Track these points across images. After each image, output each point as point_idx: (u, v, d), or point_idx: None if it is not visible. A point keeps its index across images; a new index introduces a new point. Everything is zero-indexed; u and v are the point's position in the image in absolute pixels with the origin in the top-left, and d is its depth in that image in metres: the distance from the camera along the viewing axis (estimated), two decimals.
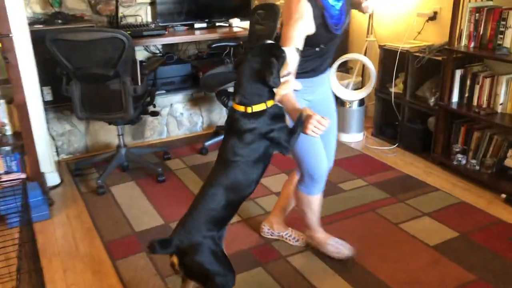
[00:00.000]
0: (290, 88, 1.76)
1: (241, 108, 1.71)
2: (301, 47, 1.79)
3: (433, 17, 3.55)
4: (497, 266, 2.25)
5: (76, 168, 3.33)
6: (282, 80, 1.69)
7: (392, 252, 2.38)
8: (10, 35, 2.58)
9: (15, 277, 1.98)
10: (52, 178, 3.17)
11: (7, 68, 2.66)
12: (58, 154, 3.43)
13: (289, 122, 1.76)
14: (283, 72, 1.71)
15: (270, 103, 1.71)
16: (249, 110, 1.69)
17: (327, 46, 1.98)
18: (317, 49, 1.96)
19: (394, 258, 2.33)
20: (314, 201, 2.25)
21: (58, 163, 3.31)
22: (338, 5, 1.90)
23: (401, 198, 2.89)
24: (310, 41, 1.85)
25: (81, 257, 2.43)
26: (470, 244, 2.43)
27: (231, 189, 1.74)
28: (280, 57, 1.68)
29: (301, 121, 1.67)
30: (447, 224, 2.60)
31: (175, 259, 1.71)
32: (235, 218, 2.71)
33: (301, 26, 1.80)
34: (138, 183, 3.19)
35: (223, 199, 1.73)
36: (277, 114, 1.73)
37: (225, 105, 3.46)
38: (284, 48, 1.71)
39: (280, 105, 1.75)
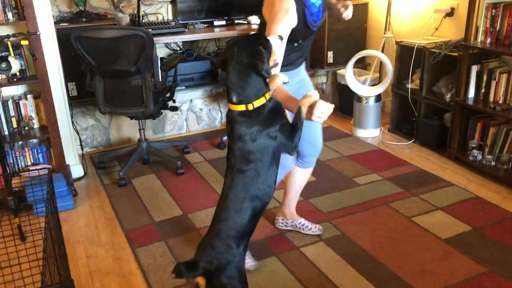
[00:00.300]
0: (279, 81, 1.78)
1: (241, 107, 1.64)
2: (285, 38, 1.83)
3: (450, 13, 3.55)
4: (508, 260, 2.27)
5: (99, 161, 3.46)
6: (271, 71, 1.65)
7: (404, 245, 2.42)
8: (38, 33, 2.71)
9: (35, 264, 2.10)
10: (77, 170, 3.30)
11: (35, 64, 2.79)
12: (82, 147, 3.56)
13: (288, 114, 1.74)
14: (271, 62, 1.67)
15: (268, 95, 1.66)
16: (250, 107, 1.62)
17: (304, 42, 2.09)
18: (295, 44, 2.05)
19: (406, 251, 2.37)
20: (309, 173, 2.51)
21: (82, 156, 3.44)
22: (318, 2, 2.00)
23: (415, 192, 2.92)
24: (290, 36, 1.90)
25: (103, 244, 2.55)
26: (482, 238, 2.45)
27: (255, 199, 1.68)
28: (266, 46, 1.64)
29: (301, 116, 1.66)
30: (460, 218, 2.63)
31: (201, 281, 1.64)
32: None
33: (286, 21, 1.85)
34: (158, 175, 3.30)
35: (249, 211, 1.68)
36: (277, 108, 1.68)
37: None
38: (268, 37, 1.68)
39: (275, 98, 1.71)
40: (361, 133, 3.88)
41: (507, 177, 2.97)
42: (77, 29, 3.02)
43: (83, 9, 3.59)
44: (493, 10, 2.98)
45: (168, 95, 3.32)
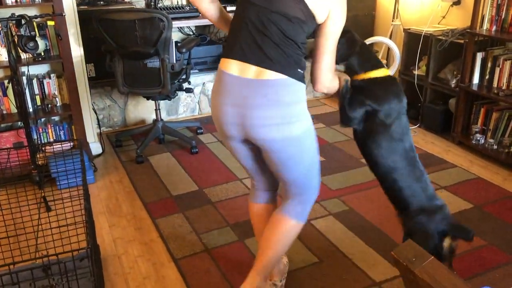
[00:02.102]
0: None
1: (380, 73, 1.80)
2: None
3: (457, 2, 3.66)
4: (507, 234, 2.42)
5: (116, 139, 3.61)
6: None
7: None
8: (64, 14, 2.84)
9: (64, 229, 2.26)
10: (95, 147, 3.45)
11: (59, 44, 2.92)
12: (100, 126, 3.70)
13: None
14: None
15: None
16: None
17: None
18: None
19: None
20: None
21: (100, 135, 3.59)
22: None
23: None
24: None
25: (124, 215, 2.70)
26: (483, 214, 2.60)
27: None
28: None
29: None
30: (462, 196, 2.77)
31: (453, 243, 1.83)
32: None
33: None
34: (173, 154, 3.45)
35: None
36: None
37: None
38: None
39: None
40: None
41: (508, 160, 3.10)
42: (98, 11, 3.15)
43: None
44: None
45: (183, 77, 3.46)
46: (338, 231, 2.48)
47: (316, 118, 4.03)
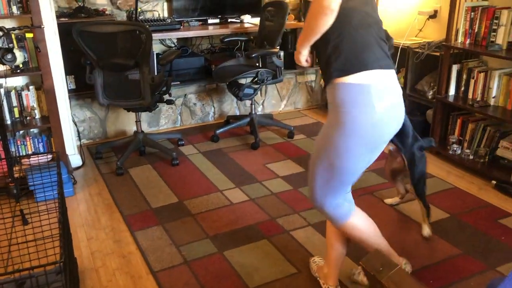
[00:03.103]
0: None
1: None
2: None
3: (433, 15, 3.75)
4: (482, 243, 2.46)
5: (96, 151, 3.59)
6: None
7: (386, 229, 2.58)
8: (42, 26, 2.83)
9: (40, 242, 2.24)
10: (75, 160, 3.43)
11: (38, 56, 2.91)
12: (80, 138, 3.68)
13: None
14: None
15: None
16: None
17: None
18: None
19: (388, 234, 2.53)
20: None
21: (80, 147, 3.56)
22: None
23: None
24: None
25: (103, 228, 2.68)
26: (459, 223, 2.64)
27: None
28: None
29: None
30: (439, 206, 2.82)
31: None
32: (243, 198, 2.95)
33: None
34: (154, 166, 3.44)
35: None
36: None
37: (236, 96, 3.69)
38: None
39: None
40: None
41: (484, 170, 3.17)
42: (78, 24, 3.16)
43: (82, 5, 3.72)
44: (472, 13, 3.18)
45: (164, 88, 3.46)
46: (317, 242, 2.50)
47: (297, 129, 4.07)
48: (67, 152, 3.32)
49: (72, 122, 3.45)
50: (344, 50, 1.62)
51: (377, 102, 1.62)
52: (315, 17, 1.57)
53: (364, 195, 2.96)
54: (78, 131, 3.70)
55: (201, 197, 2.98)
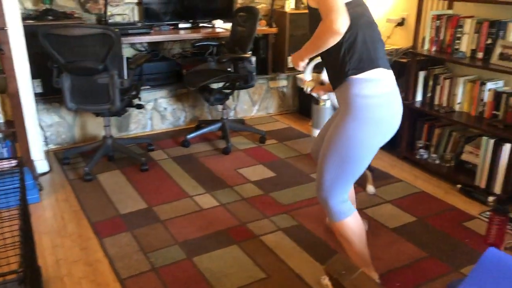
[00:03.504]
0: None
1: None
2: None
3: (401, 23, 3.84)
4: (447, 246, 2.52)
5: (64, 157, 3.51)
6: None
7: None
8: (6, 28, 2.77)
9: (2, 250, 2.16)
10: (41, 165, 3.35)
11: (2, 59, 2.84)
12: (47, 144, 3.60)
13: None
14: None
15: None
16: None
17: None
18: None
19: None
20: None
21: (47, 153, 3.49)
22: None
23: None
24: None
25: (69, 235, 2.62)
26: (425, 227, 2.69)
27: None
28: None
29: None
30: (406, 210, 2.87)
31: None
32: (213, 203, 2.94)
33: None
34: (123, 171, 3.39)
35: None
36: None
37: (208, 101, 3.67)
38: None
39: None
40: (316, 133, 4.09)
41: (450, 174, 3.24)
42: (45, 26, 3.09)
43: (49, 7, 3.65)
44: (438, 21, 3.26)
45: (134, 93, 3.43)
46: (287, 246, 2.51)
47: (268, 134, 4.08)
48: (33, 157, 3.24)
49: (38, 127, 3.37)
50: (358, 50, 1.80)
51: (387, 90, 1.85)
52: (322, 38, 1.73)
53: None
54: (45, 136, 3.61)
55: (170, 203, 2.95)
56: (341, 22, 1.65)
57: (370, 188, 3.08)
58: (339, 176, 1.91)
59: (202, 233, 2.62)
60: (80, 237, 2.60)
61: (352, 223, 2.00)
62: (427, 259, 2.41)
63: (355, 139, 1.83)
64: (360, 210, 2.86)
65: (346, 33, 1.72)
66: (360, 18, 1.81)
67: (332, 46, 1.76)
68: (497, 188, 2.94)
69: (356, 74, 1.79)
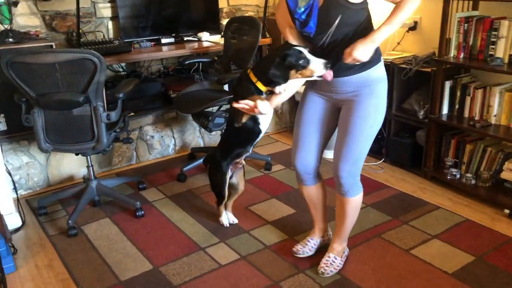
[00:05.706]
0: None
1: None
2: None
3: (413, 27, 3.46)
4: None
5: (39, 206, 2.92)
6: None
7: (410, 284, 2.19)
8: None
9: None
10: (12, 220, 2.76)
11: None
12: (16, 190, 3.00)
13: None
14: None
15: None
16: None
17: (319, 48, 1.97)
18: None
19: None
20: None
21: (18, 202, 2.89)
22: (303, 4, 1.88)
23: (403, 219, 2.73)
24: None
25: None
26: (488, 267, 2.29)
27: None
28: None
29: None
30: (458, 246, 2.46)
31: None
32: (232, 256, 2.44)
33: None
34: (113, 219, 2.84)
35: None
36: None
37: (205, 127, 3.17)
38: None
39: None
40: (327, 154, 3.66)
41: (490, 196, 2.87)
42: (7, 51, 2.52)
43: (9, 28, 3.05)
44: (466, 25, 2.89)
45: (121, 125, 2.89)
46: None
47: (273, 159, 3.60)
48: (2, 211, 2.66)
49: (5, 172, 2.78)
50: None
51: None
52: (411, 8, 1.81)
53: (372, 239, 2.55)
54: (13, 181, 3.01)
55: (180, 259, 2.43)
56: None
57: (230, 216, 2.75)
58: (364, 152, 2.06)
59: None
60: None
61: (361, 199, 2.21)
62: None
63: (380, 117, 2.03)
64: (407, 251, 2.44)
65: (367, 24, 2.00)
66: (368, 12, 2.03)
67: (364, 27, 1.97)
68: None
69: (374, 65, 1.98)
